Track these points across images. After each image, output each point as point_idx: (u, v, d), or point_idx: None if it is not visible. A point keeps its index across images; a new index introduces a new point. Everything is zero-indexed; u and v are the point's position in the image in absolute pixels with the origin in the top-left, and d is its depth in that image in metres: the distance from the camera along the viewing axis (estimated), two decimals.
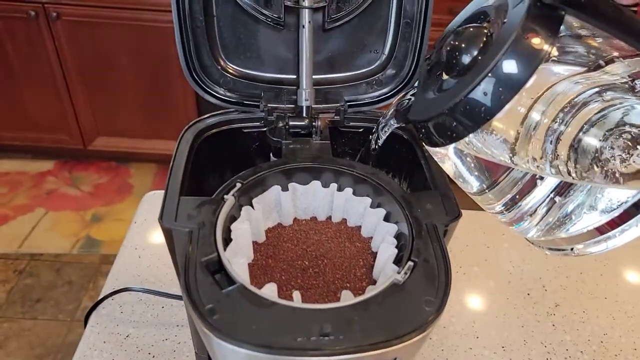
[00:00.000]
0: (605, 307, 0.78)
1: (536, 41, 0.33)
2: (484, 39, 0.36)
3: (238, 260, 0.39)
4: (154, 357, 0.67)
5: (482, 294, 0.79)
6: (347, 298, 0.38)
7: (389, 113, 0.46)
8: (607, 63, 0.32)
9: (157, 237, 0.84)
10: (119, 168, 2.20)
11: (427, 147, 0.40)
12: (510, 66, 0.33)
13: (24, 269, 1.79)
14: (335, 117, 0.50)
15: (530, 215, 0.37)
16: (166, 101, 1.99)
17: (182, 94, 1.95)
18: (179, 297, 0.72)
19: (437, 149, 0.40)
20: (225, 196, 0.42)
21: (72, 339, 1.58)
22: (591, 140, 0.30)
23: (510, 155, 0.34)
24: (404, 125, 0.46)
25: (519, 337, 0.73)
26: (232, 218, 0.42)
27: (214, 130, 0.49)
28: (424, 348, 0.72)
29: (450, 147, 0.38)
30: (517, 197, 0.37)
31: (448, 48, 0.39)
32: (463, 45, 0.38)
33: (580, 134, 0.31)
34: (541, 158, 0.32)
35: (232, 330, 0.32)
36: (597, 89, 0.31)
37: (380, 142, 0.48)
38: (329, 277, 0.42)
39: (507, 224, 0.39)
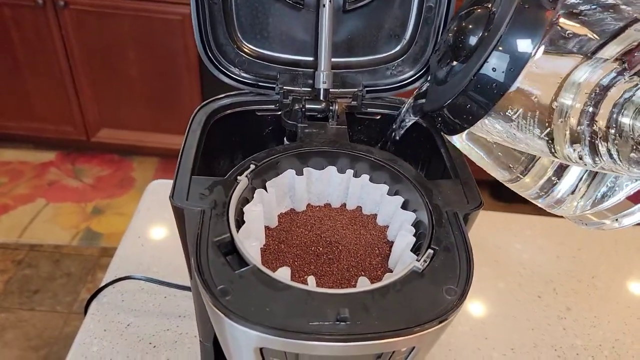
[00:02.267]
0: (617, 312, 0.76)
1: (537, 9, 0.32)
2: (487, 17, 0.36)
3: (250, 243, 0.37)
4: (155, 347, 0.66)
5: (491, 295, 0.77)
6: (364, 284, 0.36)
7: (405, 107, 0.45)
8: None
9: (161, 226, 0.83)
10: (122, 161, 2.19)
11: (453, 140, 0.38)
12: (515, 37, 0.33)
13: (23, 260, 1.77)
14: (353, 102, 0.49)
15: (572, 193, 0.35)
16: (172, 95, 1.97)
17: (189, 88, 1.94)
18: (181, 287, 0.71)
19: (463, 142, 0.39)
20: (238, 177, 0.40)
21: (69, 331, 1.56)
22: (625, 120, 0.29)
23: (549, 147, 0.32)
24: (420, 118, 0.45)
25: (528, 339, 0.71)
26: (245, 200, 0.40)
27: (226, 112, 0.47)
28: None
29: (475, 143, 0.37)
30: (554, 178, 0.35)
31: (454, 33, 0.39)
32: (468, 26, 0.38)
33: (613, 115, 0.30)
34: (579, 143, 0.30)
35: (245, 312, 0.31)
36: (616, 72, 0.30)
37: (398, 136, 0.47)
38: (343, 264, 0.40)
39: (546, 207, 0.38)
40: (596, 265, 0.83)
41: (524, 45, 0.33)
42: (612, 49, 0.30)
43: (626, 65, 0.29)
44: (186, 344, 0.67)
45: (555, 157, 0.32)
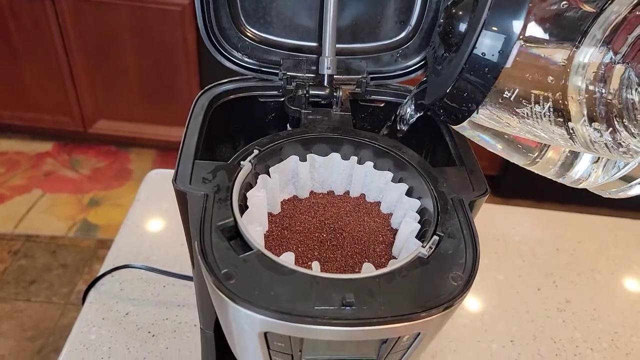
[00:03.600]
0: (617, 305, 0.76)
1: None
2: (473, 2, 0.36)
3: (254, 228, 0.37)
4: (153, 335, 0.65)
5: (491, 287, 0.77)
6: (369, 270, 0.36)
7: (405, 105, 0.45)
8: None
9: (160, 215, 0.82)
10: (119, 153, 2.18)
11: (461, 130, 0.38)
12: (500, 16, 0.33)
13: (19, 250, 1.76)
14: (357, 89, 0.48)
15: (595, 162, 0.35)
16: (170, 87, 1.96)
17: (187, 80, 1.92)
18: (181, 276, 0.70)
19: (472, 132, 0.39)
20: (242, 162, 0.40)
21: (65, 323, 1.56)
22: (632, 96, 0.29)
23: (567, 132, 0.32)
24: (423, 112, 0.45)
25: (528, 331, 0.71)
26: (248, 185, 0.40)
27: (229, 97, 0.47)
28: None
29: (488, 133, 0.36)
30: (571, 156, 0.35)
31: (444, 24, 0.39)
32: (456, 14, 0.38)
33: (622, 92, 0.30)
34: (597, 122, 0.30)
35: (249, 296, 0.30)
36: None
37: (402, 132, 0.46)
38: (347, 251, 0.40)
39: (569, 184, 0.37)
40: (595, 258, 0.83)
41: (510, 23, 0.33)
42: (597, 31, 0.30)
43: (612, 47, 0.29)
44: (185, 333, 0.66)
45: (574, 142, 0.32)
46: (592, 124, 0.30)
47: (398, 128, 0.46)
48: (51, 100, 2.00)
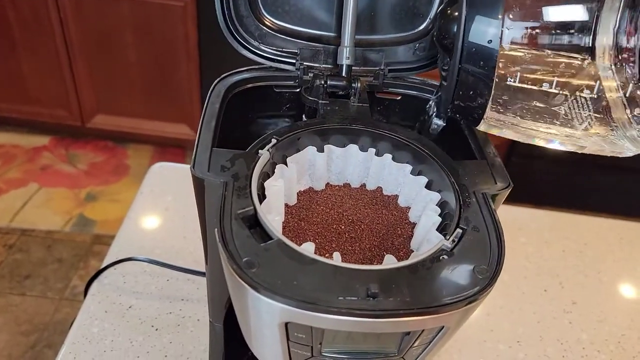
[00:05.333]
0: (623, 308, 0.76)
1: None
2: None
3: (273, 218, 0.36)
4: (157, 329, 0.64)
5: (497, 287, 0.76)
6: (391, 262, 0.35)
7: (430, 114, 0.45)
8: None
9: (164, 209, 0.81)
10: (116, 148, 2.16)
11: (489, 130, 0.38)
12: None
13: (14, 244, 1.74)
14: (374, 81, 0.48)
15: None
16: (170, 83, 1.95)
17: (187, 77, 1.91)
18: (184, 270, 0.69)
19: (499, 131, 0.38)
20: (260, 151, 0.39)
21: (60, 318, 1.54)
22: None
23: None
24: (444, 121, 0.45)
25: (534, 332, 0.71)
26: (265, 175, 0.39)
27: (245, 86, 0.46)
28: None
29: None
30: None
31: (438, 28, 0.41)
32: (450, 15, 0.39)
33: None
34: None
35: (272, 285, 0.30)
36: None
37: (431, 137, 0.46)
38: (365, 243, 0.39)
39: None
40: (602, 260, 0.83)
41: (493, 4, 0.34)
42: None
43: None
44: (189, 328, 0.65)
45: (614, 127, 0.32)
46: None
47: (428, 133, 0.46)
48: (49, 94, 1.98)
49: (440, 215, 0.38)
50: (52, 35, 1.82)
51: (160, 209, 0.81)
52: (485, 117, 0.37)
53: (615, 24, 0.32)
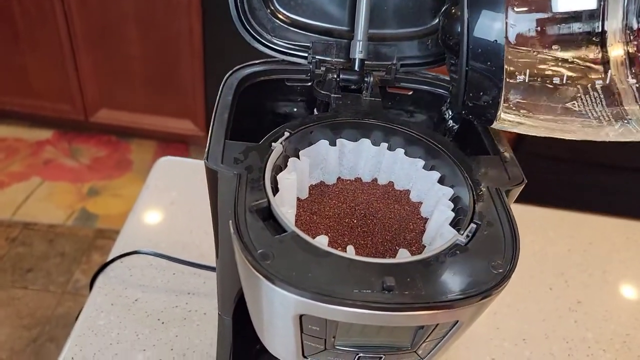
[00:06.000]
0: (628, 308, 0.76)
1: None
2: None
3: (286, 210, 0.36)
4: (163, 323, 0.64)
5: None
6: (405, 256, 0.35)
7: (445, 117, 0.45)
8: None
9: (170, 203, 0.81)
10: (119, 143, 2.16)
11: (505, 128, 0.38)
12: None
13: (17, 237, 1.74)
14: (386, 75, 0.47)
15: None
16: (173, 78, 1.95)
17: (191, 72, 1.91)
18: (191, 264, 0.69)
19: (515, 127, 0.38)
20: (273, 143, 0.39)
21: (62, 312, 1.54)
22: None
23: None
24: (458, 123, 0.44)
25: (540, 331, 0.71)
26: (278, 168, 0.39)
27: (257, 79, 0.46)
28: None
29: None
30: None
31: (442, 28, 0.40)
32: (454, 14, 0.38)
33: None
34: None
35: (287, 277, 0.30)
36: None
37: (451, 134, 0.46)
38: (377, 238, 0.39)
39: None
40: (607, 260, 0.82)
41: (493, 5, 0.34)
42: None
43: None
44: (195, 322, 0.65)
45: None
46: None
47: (446, 133, 0.46)
48: (53, 88, 1.98)
49: (453, 210, 0.38)
50: (56, 29, 1.82)
51: (166, 203, 0.81)
52: (497, 116, 0.37)
53: (624, 6, 0.31)
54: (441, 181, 0.41)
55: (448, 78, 0.46)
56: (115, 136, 2.18)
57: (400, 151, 0.42)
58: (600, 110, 0.34)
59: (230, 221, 0.33)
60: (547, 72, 0.34)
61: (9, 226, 1.77)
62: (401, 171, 0.43)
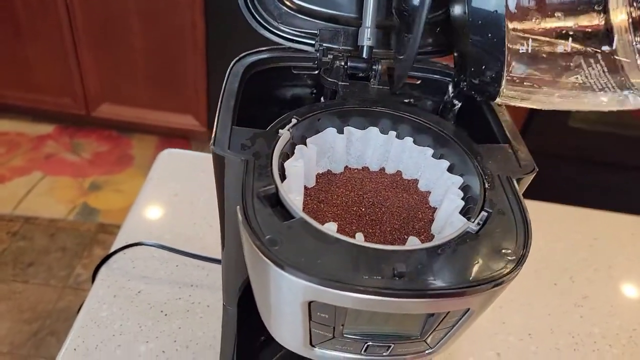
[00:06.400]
0: (634, 303, 0.75)
1: None
2: None
3: (295, 197, 0.35)
4: (166, 315, 0.64)
5: None
6: (415, 244, 0.34)
7: (448, 94, 0.44)
8: None
9: (173, 195, 0.81)
10: (120, 138, 2.15)
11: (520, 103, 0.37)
12: None
13: (18, 232, 1.74)
14: (393, 64, 0.47)
15: None
16: (175, 73, 1.94)
17: (193, 67, 1.90)
18: (194, 256, 0.69)
19: (523, 101, 0.37)
20: (280, 130, 0.38)
21: (63, 306, 1.54)
22: None
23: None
24: (460, 99, 0.43)
25: (545, 326, 0.70)
26: (285, 155, 0.38)
27: (263, 67, 0.45)
28: None
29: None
30: None
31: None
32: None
33: None
34: None
35: (297, 262, 0.29)
36: None
37: (453, 120, 0.45)
38: (386, 226, 0.38)
39: None
40: (613, 255, 0.82)
41: None
42: None
43: None
44: (198, 314, 0.65)
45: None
46: None
47: (447, 117, 0.45)
48: (54, 82, 1.98)
49: (462, 199, 0.38)
50: (58, 22, 1.81)
51: (169, 195, 0.81)
52: (501, 91, 0.37)
53: None
54: (450, 170, 0.40)
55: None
56: (117, 131, 2.17)
57: (408, 139, 0.42)
58: (604, 81, 0.33)
59: (238, 207, 0.32)
60: (549, 43, 0.33)
61: (10, 220, 1.77)
62: (409, 160, 0.42)
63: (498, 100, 0.37)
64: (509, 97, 0.37)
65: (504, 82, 0.35)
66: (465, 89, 0.39)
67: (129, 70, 1.94)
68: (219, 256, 0.68)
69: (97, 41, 1.87)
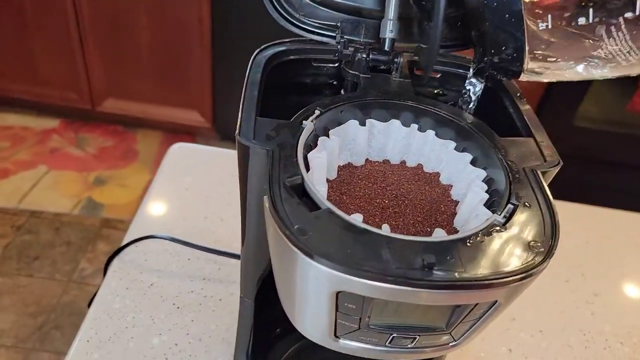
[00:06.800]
0: None
1: None
2: None
3: (320, 188, 0.35)
4: (178, 307, 0.64)
5: None
6: (441, 235, 0.34)
7: (468, 78, 0.44)
8: None
9: (184, 189, 0.81)
10: (125, 133, 2.15)
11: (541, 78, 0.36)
12: None
13: (23, 225, 1.74)
14: (414, 57, 0.47)
15: None
16: (181, 69, 1.94)
17: (199, 63, 1.90)
18: (206, 249, 0.69)
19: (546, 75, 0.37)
20: (304, 121, 0.38)
21: (68, 300, 1.54)
22: None
23: None
24: (484, 80, 0.43)
25: (557, 322, 0.70)
26: (308, 147, 0.38)
27: (284, 58, 0.45)
28: None
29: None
30: None
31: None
32: None
33: None
34: None
35: (326, 252, 0.29)
36: None
37: (472, 107, 0.45)
38: (409, 219, 0.38)
39: None
40: (624, 253, 0.82)
41: None
42: None
43: None
44: (210, 307, 0.65)
45: None
46: None
47: (465, 108, 0.44)
48: (60, 76, 1.97)
49: (486, 192, 0.37)
50: (65, 16, 1.81)
51: (180, 189, 0.80)
52: (524, 67, 0.36)
53: None
54: (473, 163, 0.40)
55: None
56: (122, 126, 2.17)
57: (430, 132, 0.42)
58: (627, 49, 0.33)
59: (265, 197, 0.32)
60: (569, 16, 0.33)
61: (15, 214, 1.77)
62: (431, 153, 0.42)
63: (523, 77, 0.37)
64: (533, 72, 0.37)
65: (526, 59, 0.35)
66: (486, 70, 0.39)
67: (134, 66, 1.94)
68: (231, 250, 0.68)
69: (103, 36, 1.86)
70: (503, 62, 0.37)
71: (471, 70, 0.42)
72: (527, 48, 0.34)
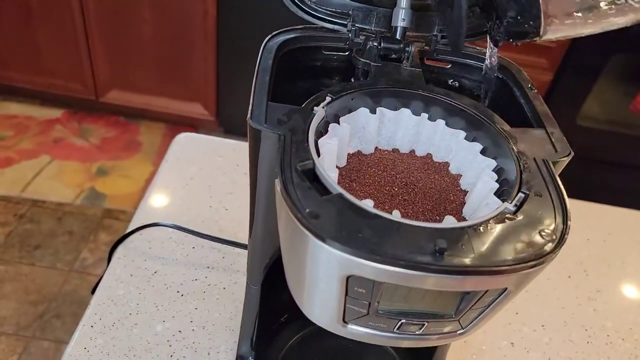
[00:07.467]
0: None
1: None
2: None
3: (330, 174, 0.35)
4: (182, 295, 0.64)
5: None
6: (452, 222, 0.34)
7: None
8: None
9: (189, 178, 0.81)
10: (128, 124, 2.15)
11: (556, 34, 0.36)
12: None
13: (25, 214, 1.74)
14: (425, 46, 0.47)
15: None
16: (185, 61, 1.93)
17: (203, 56, 1.89)
18: (210, 238, 0.69)
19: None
20: (315, 107, 0.38)
21: (69, 289, 1.54)
22: None
23: None
24: (498, 44, 0.42)
25: (559, 317, 0.70)
26: (319, 133, 0.38)
27: (295, 46, 0.45)
28: None
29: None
30: None
31: None
32: None
33: None
34: None
35: (338, 235, 0.29)
36: None
37: (490, 93, 0.44)
38: (418, 207, 0.38)
39: None
40: (627, 251, 0.82)
41: None
42: None
43: None
44: (214, 295, 0.65)
45: None
46: None
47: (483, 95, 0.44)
48: (64, 66, 1.97)
49: (497, 181, 0.37)
50: (70, 7, 1.80)
51: (185, 178, 0.80)
52: (542, 29, 0.36)
53: None
54: (483, 152, 0.40)
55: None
56: (125, 117, 2.17)
57: (441, 122, 0.42)
58: None
59: (277, 180, 0.32)
60: None
61: (18, 203, 1.77)
62: (441, 142, 0.42)
63: (548, 36, 0.37)
64: (549, 34, 0.36)
65: (543, 20, 0.35)
66: (501, 36, 0.38)
67: (139, 57, 1.93)
68: (235, 239, 0.68)
69: (108, 27, 1.86)
70: (520, 27, 0.36)
71: (488, 38, 0.41)
72: (542, 10, 0.34)
